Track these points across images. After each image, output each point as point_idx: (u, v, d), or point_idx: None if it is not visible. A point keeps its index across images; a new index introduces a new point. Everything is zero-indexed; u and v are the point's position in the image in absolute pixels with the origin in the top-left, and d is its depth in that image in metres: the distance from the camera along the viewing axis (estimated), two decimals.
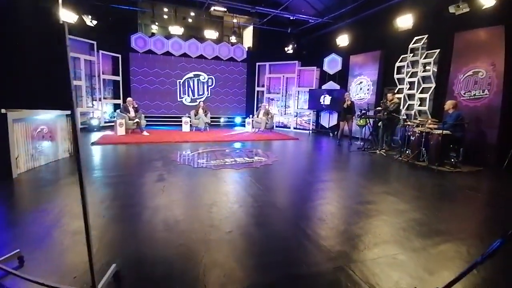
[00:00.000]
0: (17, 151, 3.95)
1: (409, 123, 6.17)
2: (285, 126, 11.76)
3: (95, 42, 9.44)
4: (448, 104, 5.71)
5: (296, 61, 11.21)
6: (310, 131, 10.83)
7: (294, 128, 11.38)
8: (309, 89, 10.73)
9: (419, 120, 6.07)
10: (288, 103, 11.75)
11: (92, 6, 8.89)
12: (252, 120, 10.24)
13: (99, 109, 9.88)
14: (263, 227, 2.63)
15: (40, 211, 2.81)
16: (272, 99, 12.13)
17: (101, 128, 9.31)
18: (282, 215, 2.96)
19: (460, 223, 2.96)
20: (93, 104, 9.80)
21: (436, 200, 3.74)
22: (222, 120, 12.24)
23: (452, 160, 5.39)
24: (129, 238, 2.34)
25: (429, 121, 5.85)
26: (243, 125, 10.82)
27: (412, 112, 7.27)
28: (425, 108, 7.02)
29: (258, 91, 12.37)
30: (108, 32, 9.74)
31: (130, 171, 4.52)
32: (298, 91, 11.33)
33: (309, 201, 3.47)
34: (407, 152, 6.14)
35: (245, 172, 4.59)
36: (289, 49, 11.01)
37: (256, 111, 11.10)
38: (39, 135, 4.55)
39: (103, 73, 9.87)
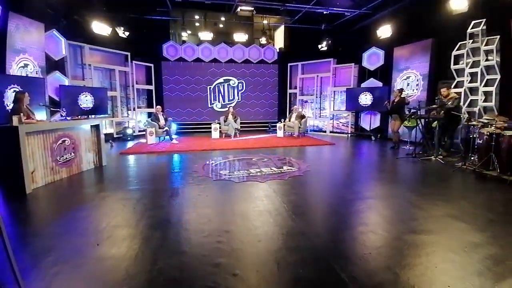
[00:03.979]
0: (33, 164, 3.85)
1: (474, 122, 5.02)
2: (320, 130, 10.88)
3: (128, 53, 9.65)
4: None
5: (331, 59, 10.32)
6: (349, 135, 9.81)
7: (331, 132, 10.45)
8: (347, 88, 9.75)
9: (487, 119, 4.90)
10: (323, 104, 10.86)
11: (126, 18, 9.08)
12: (284, 125, 9.59)
13: (134, 118, 10.07)
14: (284, 270, 2.00)
15: (40, 235, 2.52)
16: (306, 101, 11.34)
17: (134, 137, 9.44)
18: (310, 249, 2.29)
19: None
20: (128, 114, 10.03)
21: (511, 224, 2.77)
22: (253, 125, 11.76)
23: None
24: (113, 281, 1.89)
25: (498, 120, 4.70)
26: (275, 130, 10.21)
27: (476, 109, 6.01)
28: (491, 104, 5.75)
29: (290, 94, 11.69)
30: (140, 43, 9.91)
31: (145, 185, 4.18)
32: (334, 91, 10.40)
33: (347, 228, 2.75)
34: (473, 158, 5.00)
35: (270, 186, 3.99)
36: (323, 46, 10.18)
37: (288, 114, 10.43)
38: (60, 147, 4.47)
39: (136, 83, 10.06)
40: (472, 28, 6.03)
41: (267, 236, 2.50)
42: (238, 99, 11.59)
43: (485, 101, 5.91)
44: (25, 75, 5.82)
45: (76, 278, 1.90)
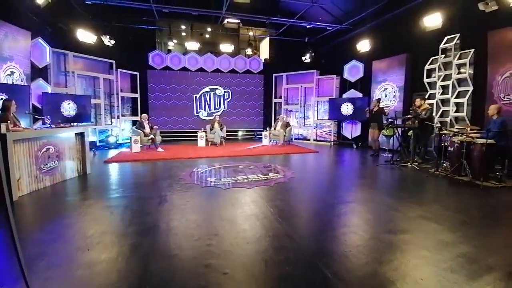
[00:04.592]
0: (19, 172, 3.79)
1: (446, 132, 5.42)
2: (304, 138, 11.19)
3: (113, 61, 9.61)
4: (493, 109, 4.95)
5: (315, 70, 10.74)
6: (332, 143, 10.16)
7: (314, 140, 10.77)
8: (329, 99, 10.16)
9: (458, 128, 5.31)
10: (307, 114, 11.21)
11: (112, 27, 9.09)
12: (269, 133, 9.80)
13: (118, 126, 9.95)
14: (271, 268, 2.13)
15: (26, 241, 2.50)
16: (290, 111, 11.66)
17: (118, 145, 9.33)
18: (295, 249, 2.44)
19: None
20: (111, 122, 9.90)
21: (485, 226, 3.02)
22: (239, 134, 11.93)
23: (497, 173, 4.62)
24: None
25: (469, 129, 5.12)
26: (260, 139, 10.40)
27: (448, 119, 6.46)
28: (463, 114, 6.21)
29: (275, 103, 11.98)
30: (126, 51, 9.92)
31: (131, 193, 4.19)
32: (318, 101, 10.79)
33: (329, 229, 2.91)
34: (445, 165, 5.38)
35: (257, 192, 4.12)
36: (307, 58, 10.59)
37: (274, 123, 10.68)
38: (44, 155, 4.41)
39: (121, 91, 9.99)
40: (445, 44, 6.54)
41: (255, 238, 2.62)
42: (224, 108, 11.74)
43: (456, 111, 6.37)
44: (11, 82, 5.73)
45: (69, 281, 1.94)
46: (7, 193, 1.44)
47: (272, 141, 9.84)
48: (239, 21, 8.87)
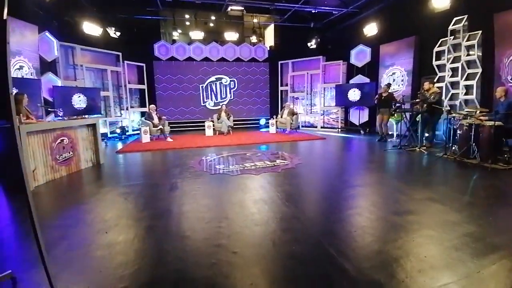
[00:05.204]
0: (34, 163, 3.97)
1: (454, 115, 5.36)
2: (311, 126, 11.18)
3: (120, 53, 9.69)
4: (500, 91, 4.90)
5: (321, 57, 10.61)
6: (339, 129, 10.14)
7: (322, 127, 10.75)
8: (336, 85, 10.06)
9: (467, 111, 5.24)
10: (314, 101, 11.15)
11: (117, 19, 9.13)
12: (276, 121, 9.83)
13: (127, 118, 10.13)
14: (278, 247, 2.23)
15: (44, 227, 2.67)
16: (297, 98, 11.61)
17: (128, 136, 9.53)
18: (302, 230, 2.53)
19: None
20: (121, 113, 10.08)
21: (492, 206, 3.04)
22: (245, 122, 11.97)
23: (505, 155, 4.58)
24: (118, 269, 2.08)
25: (477, 111, 5.05)
26: (267, 127, 10.44)
27: (457, 102, 6.36)
28: (472, 96, 6.11)
29: (281, 91, 11.93)
30: (132, 43, 9.98)
31: (144, 180, 4.36)
32: (324, 88, 10.70)
33: (336, 211, 2.99)
34: (454, 148, 5.34)
35: (264, 178, 4.21)
36: (312, 44, 10.45)
37: (280, 111, 10.68)
38: (59, 146, 4.58)
39: (129, 83, 10.11)
40: (453, 25, 6.37)
41: (263, 221, 2.72)
42: (231, 97, 11.77)
43: (466, 94, 6.27)
44: (20, 76, 5.89)
45: (90, 260, 2.08)
46: (27, 180, 1.54)
47: (279, 129, 9.84)
48: (243, 8, 8.78)
